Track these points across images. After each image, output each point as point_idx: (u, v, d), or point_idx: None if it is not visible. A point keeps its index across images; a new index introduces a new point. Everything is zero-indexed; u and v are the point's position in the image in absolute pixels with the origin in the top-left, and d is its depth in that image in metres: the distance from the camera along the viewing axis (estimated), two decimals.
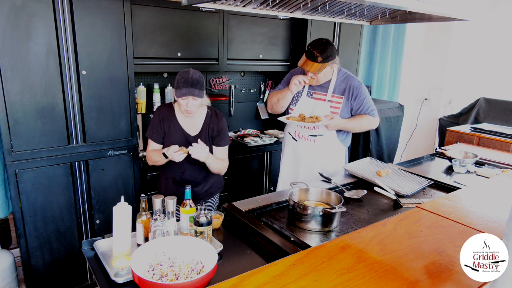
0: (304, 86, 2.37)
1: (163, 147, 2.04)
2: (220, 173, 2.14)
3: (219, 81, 3.40)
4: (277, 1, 1.93)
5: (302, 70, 2.43)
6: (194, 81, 1.89)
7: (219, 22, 2.92)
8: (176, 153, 1.88)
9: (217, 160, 2.07)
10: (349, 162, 2.50)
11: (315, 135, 2.35)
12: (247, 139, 3.25)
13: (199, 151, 1.92)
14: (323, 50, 2.12)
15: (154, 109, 2.93)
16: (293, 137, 2.45)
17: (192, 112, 1.97)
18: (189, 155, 1.92)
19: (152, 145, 2.08)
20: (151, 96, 2.94)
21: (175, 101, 2.03)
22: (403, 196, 1.99)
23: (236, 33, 3.05)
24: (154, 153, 2.02)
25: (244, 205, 1.83)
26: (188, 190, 1.56)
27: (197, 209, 1.48)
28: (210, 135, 2.09)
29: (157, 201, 1.45)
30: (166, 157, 1.94)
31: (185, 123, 2.06)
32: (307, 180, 2.31)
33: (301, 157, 2.44)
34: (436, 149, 2.93)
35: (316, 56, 2.12)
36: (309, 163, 2.41)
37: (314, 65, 2.14)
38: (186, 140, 2.04)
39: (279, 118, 2.31)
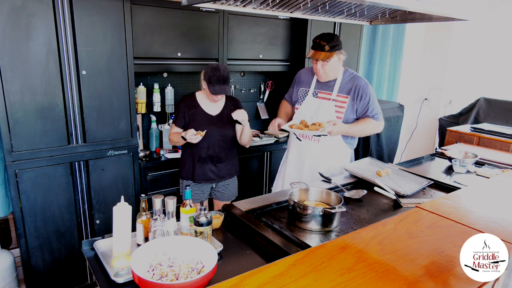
0: (310, 85, 2.39)
1: (184, 130, 2.35)
2: (248, 142, 2.49)
3: None
4: (277, 1, 1.93)
5: (307, 72, 2.46)
6: (225, 79, 2.23)
7: (219, 22, 2.92)
8: (193, 136, 2.20)
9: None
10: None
11: (319, 135, 2.35)
12: None
13: (241, 113, 2.29)
14: (329, 40, 2.17)
15: (154, 109, 2.95)
16: (297, 137, 2.45)
17: (219, 100, 2.34)
18: (205, 137, 2.27)
19: (175, 129, 2.41)
20: (151, 96, 2.94)
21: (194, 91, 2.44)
22: (403, 196, 1.99)
23: (236, 33, 3.05)
24: (175, 135, 2.36)
25: (244, 205, 1.83)
26: (188, 190, 1.56)
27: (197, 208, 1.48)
28: (231, 114, 2.39)
29: (157, 201, 1.45)
30: (185, 139, 2.25)
31: (207, 107, 2.39)
32: (312, 180, 2.32)
33: (305, 157, 2.43)
34: (436, 149, 2.93)
35: (323, 45, 2.17)
36: (314, 163, 2.40)
37: (322, 53, 2.18)
38: (210, 120, 2.37)
39: (282, 127, 2.32)
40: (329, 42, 2.16)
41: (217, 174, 2.45)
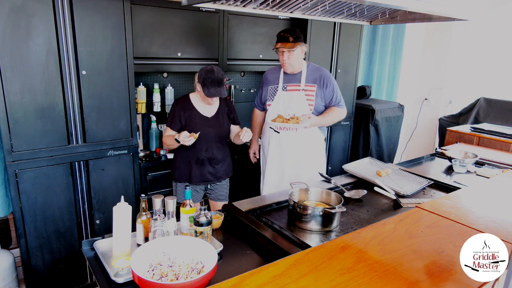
0: (278, 81, 2.54)
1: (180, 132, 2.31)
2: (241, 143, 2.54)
3: None
4: (277, 1, 1.93)
5: (272, 71, 2.62)
6: (220, 81, 2.22)
7: (219, 22, 2.92)
8: (187, 138, 2.16)
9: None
10: (349, 162, 2.52)
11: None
12: None
13: (249, 135, 2.30)
14: (292, 32, 2.39)
15: (154, 109, 2.94)
16: (275, 130, 2.55)
17: (214, 103, 2.35)
18: (202, 139, 2.30)
19: (169, 131, 2.37)
20: (151, 96, 2.94)
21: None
22: (403, 196, 1.99)
23: (236, 33, 3.05)
24: (168, 138, 2.32)
25: (244, 205, 1.83)
26: (188, 190, 1.56)
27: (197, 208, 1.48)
28: (227, 114, 2.46)
29: (157, 201, 1.45)
30: (178, 142, 2.22)
31: (202, 109, 2.38)
32: (294, 171, 2.51)
33: (285, 147, 2.54)
34: (436, 149, 2.94)
35: (287, 37, 2.38)
36: (294, 152, 2.52)
37: (288, 44, 2.38)
38: (206, 122, 2.37)
39: (267, 121, 2.52)
40: (292, 34, 2.38)
41: (215, 175, 2.46)
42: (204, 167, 2.41)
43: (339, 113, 2.54)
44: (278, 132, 2.52)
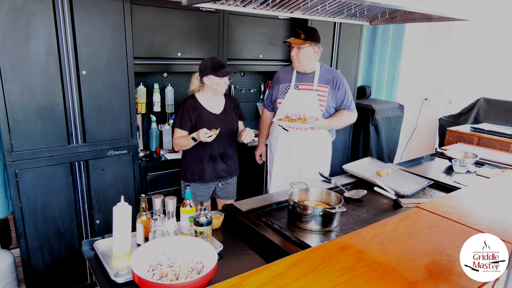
0: (290, 80, 2.53)
1: (191, 132, 2.34)
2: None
3: None
4: (277, 1, 1.93)
5: (285, 70, 2.61)
6: (224, 63, 2.30)
7: (219, 22, 2.92)
8: (206, 135, 2.18)
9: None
10: (349, 162, 2.53)
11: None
12: None
13: (250, 135, 2.34)
14: (306, 30, 2.38)
15: (154, 109, 2.95)
16: (284, 128, 2.54)
17: (227, 87, 2.37)
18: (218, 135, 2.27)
19: (180, 132, 2.36)
20: (151, 96, 2.94)
21: (191, 94, 2.43)
22: (403, 196, 1.99)
23: (236, 33, 3.05)
24: (182, 139, 2.32)
25: (244, 205, 1.84)
26: (188, 190, 1.56)
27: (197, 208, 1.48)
28: (234, 110, 2.49)
29: (157, 201, 1.45)
30: (195, 140, 2.24)
31: (210, 107, 2.39)
32: (300, 166, 2.50)
33: (292, 145, 2.53)
34: (436, 149, 2.94)
35: (300, 33, 2.38)
36: (301, 151, 2.52)
37: (297, 40, 2.38)
38: (216, 119, 2.38)
39: (273, 120, 2.52)
40: (305, 32, 2.37)
41: (227, 171, 2.47)
42: (216, 163, 2.42)
43: (349, 117, 2.53)
44: (287, 130, 2.52)
